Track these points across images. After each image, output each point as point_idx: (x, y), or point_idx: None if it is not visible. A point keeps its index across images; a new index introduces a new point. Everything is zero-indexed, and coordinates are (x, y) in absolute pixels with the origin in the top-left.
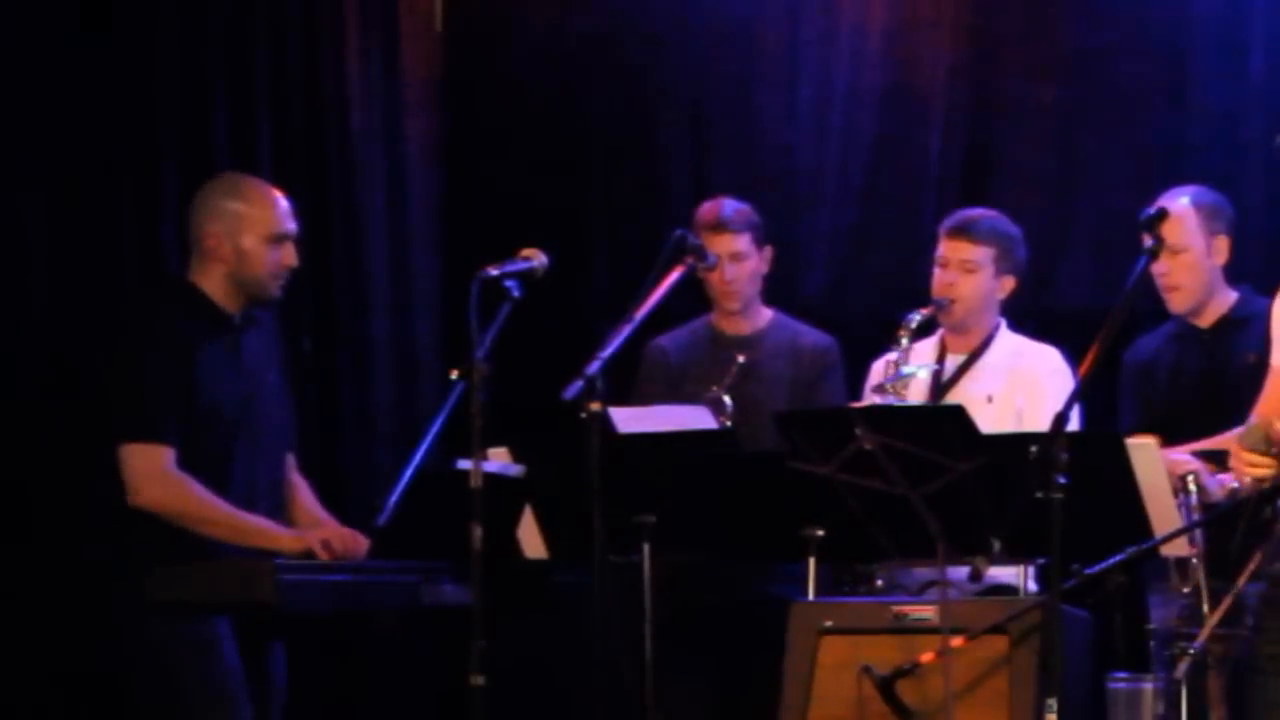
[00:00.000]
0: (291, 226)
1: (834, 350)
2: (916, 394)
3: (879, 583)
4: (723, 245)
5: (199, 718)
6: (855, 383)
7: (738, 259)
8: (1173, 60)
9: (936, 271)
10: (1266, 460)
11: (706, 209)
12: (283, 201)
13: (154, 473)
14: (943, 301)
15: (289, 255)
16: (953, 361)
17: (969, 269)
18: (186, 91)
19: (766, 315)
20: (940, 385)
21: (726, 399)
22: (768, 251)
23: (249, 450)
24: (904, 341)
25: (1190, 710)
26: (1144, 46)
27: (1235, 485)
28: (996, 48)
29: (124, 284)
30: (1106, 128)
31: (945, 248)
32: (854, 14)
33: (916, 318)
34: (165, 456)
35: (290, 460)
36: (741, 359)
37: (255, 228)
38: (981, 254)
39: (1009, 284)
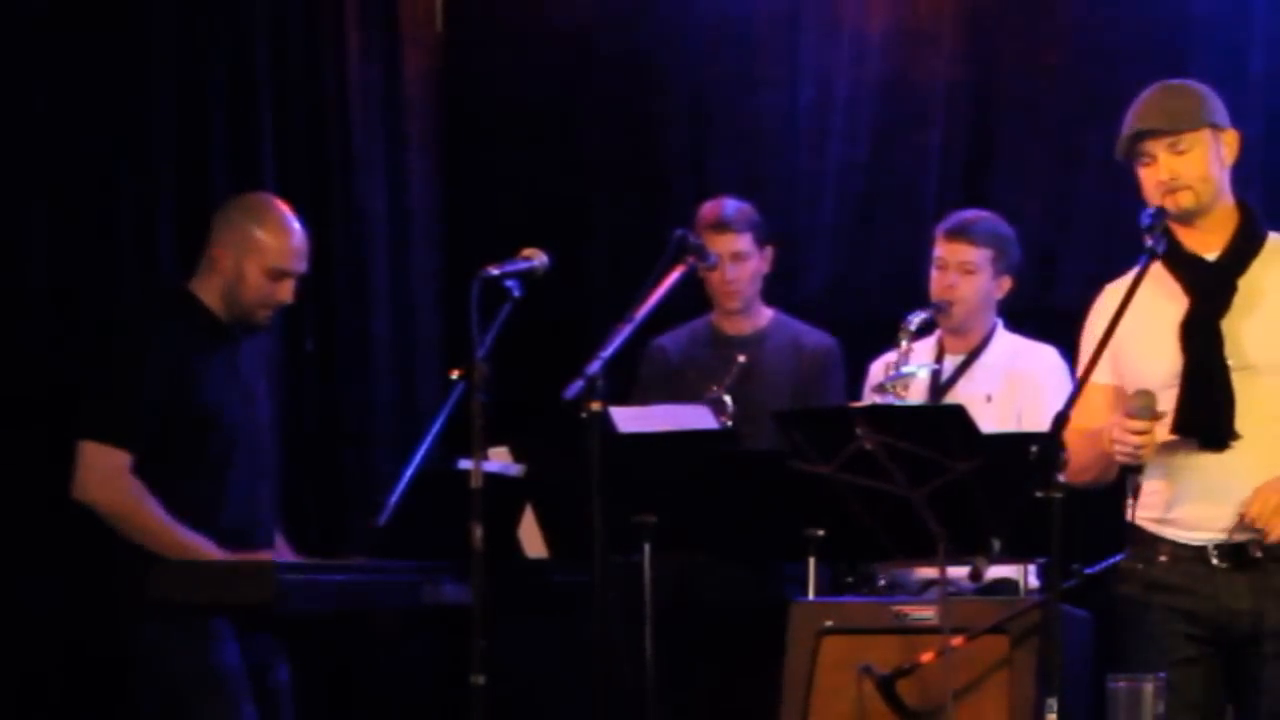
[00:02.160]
0: (298, 266)
1: (835, 351)
2: (916, 394)
3: (881, 582)
4: (724, 245)
5: (197, 716)
6: (855, 382)
7: (739, 259)
8: (1173, 60)
9: (934, 274)
10: (1147, 425)
11: (708, 208)
12: (299, 238)
13: (104, 473)
14: (942, 304)
15: (285, 292)
16: (951, 362)
17: (968, 270)
18: (186, 92)
19: (767, 315)
20: (939, 385)
21: (727, 398)
22: (769, 251)
23: (247, 458)
24: (904, 343)
25: None
26: (1144, 46)
27: None
28: (996, 48)
29: (122, 286)
30: (1106, 127)
31: (943, 250)
32: (854, 14)
33: (916, 319)
34: (121, 459)
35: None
36: (742, 359)
37: (261, 257)
38: (979, 255)
39: (1006, 284)
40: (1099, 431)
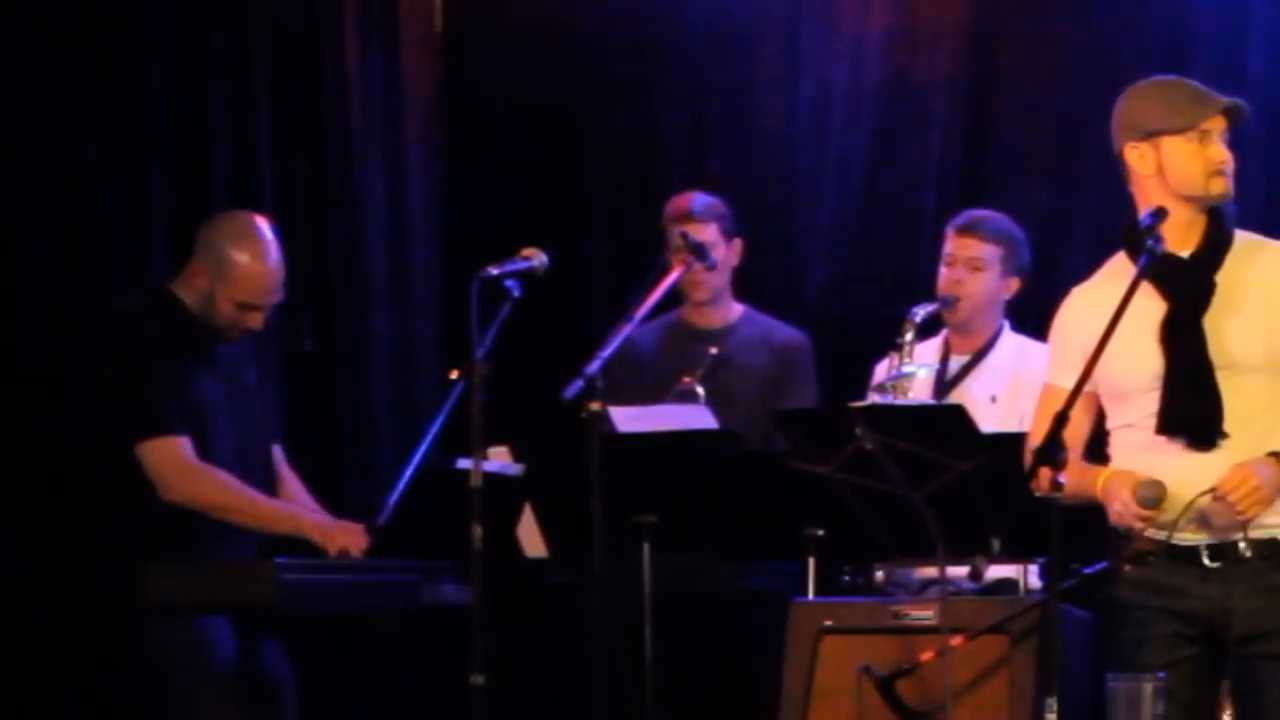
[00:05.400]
0: (269, 300)
1: (806, 345)
2: (919, 394)
3: (878, 575)
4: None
5: (198, 716)
6: (857, 381)
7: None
8: (1173, 60)
9: (943, 270)
10: (1150, 515)
11: (675, 201)
12: (274, 273)
13: (179, 465)
14: (950, 299)
15: (254, 321)
16: (956, 362)
17: (976, 266)
18: (185, 91)
19: (737, 310)
20: (943, 385)
21: (699, 389)
22: (737, 244)
23: (233, 451)
24: (908, 336)
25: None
26: (1144, 46)
27: None
28: (996, 48)
29: (116, 282)
30: (1106, 127)
31: (953, 245)
32: (854, 14)
33: (921, 313)
34: (184, 447)
35: (278, 453)
36: (714, 350)
37: (233, 288)
38: (989, 252)
39: (1014, 285)
40: (1090, 473)
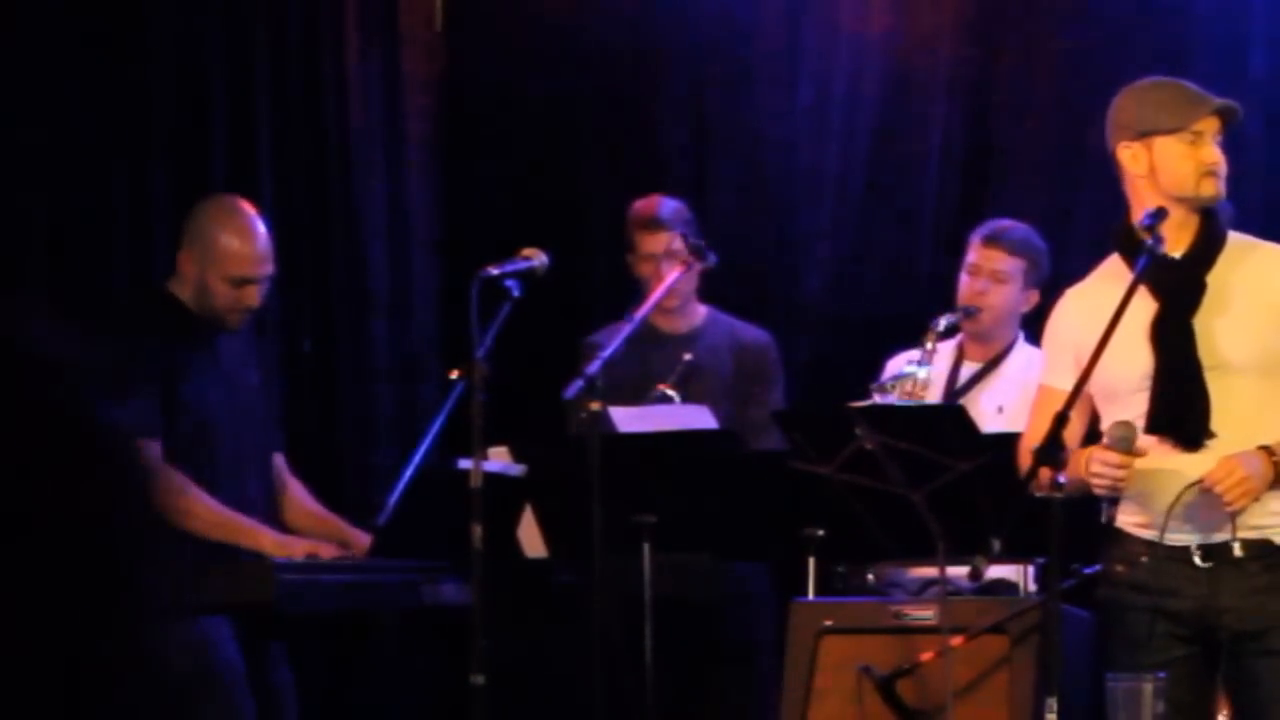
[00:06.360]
0: (263, 270)
1: (773, 346)
2: (931, 400)
3: (869, 577)
4: (657, 243)
5: (199, 714)
6: (857, 381)
7: (673, 257)
8: (1173, 60)
9: (965, 279)
10: (1125, 460)
11: (641, 206)
12: (263, 243)
13: None
14: (971, 309)
15: (250, 297)
16: (968, 369)
17: (1000, 279)
18: (186, 91)
19: (702, 312)
20: (952, 393)
21: (674, 394)
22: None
23: (234, 452)
24: (929, 344)
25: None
26: (1144, 46)
27: None
28: (996, 47)
29: (116, 281)
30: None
31: (978, 255)
32: (854, 14)
33: (943, 322)
34: (152, 451)
35: (280, 461)
36: (688, 356)
37: (223, 265)
38: (1014, 265)
39: (1033, 298)
40: (1077, 458)
